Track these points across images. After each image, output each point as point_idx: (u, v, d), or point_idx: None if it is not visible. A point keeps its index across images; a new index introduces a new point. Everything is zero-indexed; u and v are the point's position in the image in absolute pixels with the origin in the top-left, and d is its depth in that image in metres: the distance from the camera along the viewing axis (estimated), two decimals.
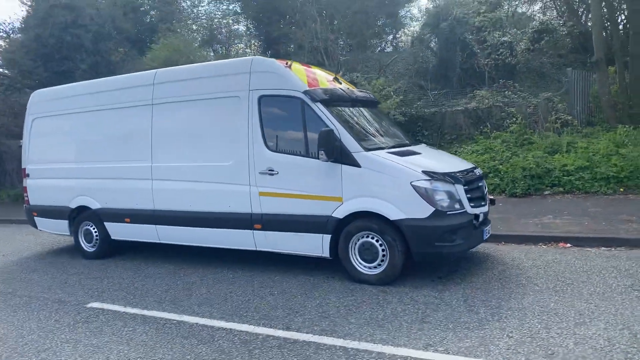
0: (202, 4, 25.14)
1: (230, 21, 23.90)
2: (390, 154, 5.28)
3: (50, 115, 7.75)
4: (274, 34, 23.89)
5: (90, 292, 5.74)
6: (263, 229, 5.81)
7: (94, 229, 7.37)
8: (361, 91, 6.56)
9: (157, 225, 6.65)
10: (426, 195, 4.89)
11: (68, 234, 7.72)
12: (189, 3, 24.86)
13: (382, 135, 6.00)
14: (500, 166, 10.16)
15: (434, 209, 4.88)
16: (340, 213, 5.28)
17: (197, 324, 4.51)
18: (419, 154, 5.60)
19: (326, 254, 5.48)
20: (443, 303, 4.56)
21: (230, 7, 24.56)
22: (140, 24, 23.53)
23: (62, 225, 7.67)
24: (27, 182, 8.03)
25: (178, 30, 21.31)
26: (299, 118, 5.58)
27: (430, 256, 5.15)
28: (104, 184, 7.09)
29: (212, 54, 20.27)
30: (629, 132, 10.18)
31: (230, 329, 4.31)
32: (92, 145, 7.24)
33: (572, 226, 6.98)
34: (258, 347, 3.91)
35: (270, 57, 22.59)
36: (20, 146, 8.24)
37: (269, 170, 5.69)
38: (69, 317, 4.92)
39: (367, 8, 24.00)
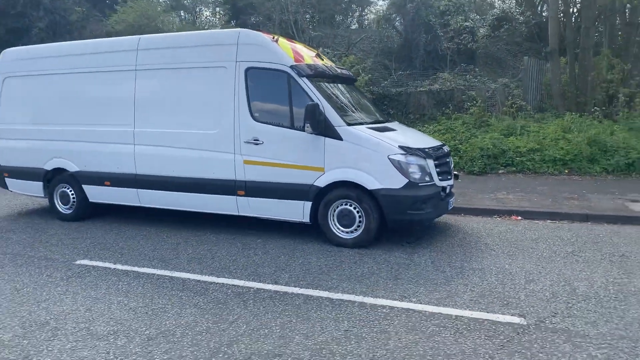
0: None
1: None
2: (369, 129, 5.74)
3: (25, 75, 7.62)
4: (240, 4, 23.58)
5: (75, 251, 5.92)
6: (246, 195, 6.16)
7: (70, 191, 7.43)
8: (340, 68, 6.93)
9: (139, 189, 6.83)
10: (401, 168, 5.40)
11: (42, 195, 7.73)
12: None
13: (360, 111, 6.43)
14: (460, 146, 10.88)
15: (408, 180, 5.41)
16: (321, 182, 5.72)
17: (189, 279, 4.86)
18: (395, 130, 6.10)
19: (306, 219, 5.92)
20: (413, 264, 5.13)
21: None
22: None
23: (36, 186, 7.66)
24: None
25: None
26: (285, 91, 5.90)
27: (402, 223, 5.71)
28: (83, 147, 7.14)
29: (177, 19, 19.85)
30: (575, 119, 11.12)
31: (223, 283, 4.70)
32: (70, 107, 7.22)
33: (522, 202, 7.77)
34: (251, 298, 4.33)
35: (237, 26, 22.37)
36: None
37: (254, 140, 6.01)
38: (60, 273, 5.13)
39: None
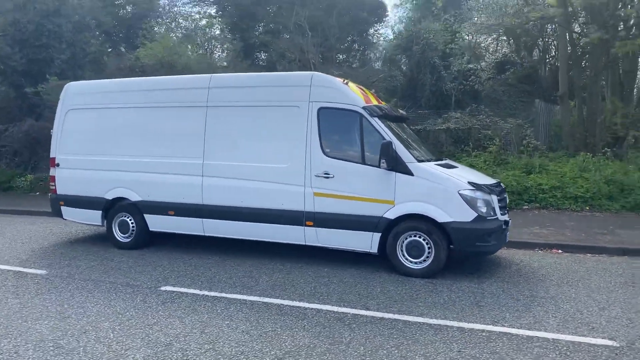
0: (178, 3, 25.15)
1: (205, 23, 23.97)
2: (438, 166, 6.22)
3: (89, 108, 7.97)
4: (251, 41, 24.44)
5: (152, 278, 6.14)
6: (315, 225, 6.51)
7: (130, 220, 7.68)
8: (397, 109, 7.47)
9: (204, 219, 7.12)
10: (470, 203, 5.85)
11: (99, 224, 7.95)
12: (166, 1, 24.76)
13: (419, 149, 6.92)
14: None
15: (477, 214, 5.85)
16: (391, 214, 6.12)
17: (282, 304, 5.14)
18: (457, 167, 6.59)
19: (374, 250, 6.28)
20: (486, 292, 5.51)
21: (205, 10, 24.79)
22: (116, 18, 23.18)
23: (94, 215, 7.88)
24: (56, 172, 8.15)
25: (157, 28, 21.34)
26: (356, 130, 6.38)
27: (470, 254, 6.13)
28: (147, 177, 7.44)
29: (192, 55, 20.47)
30: (588, 159, 11.83)
31: (317, 309, 5.00)
32: (135, 139, 7.56)
33: (558, 236, 8.25)
34: (352, 322, 4.64)
35: (252, 64, 23.07)
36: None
37: (325, 174, 6.41)
38: (152, 298, 5.36)
39: (341, 24, 25.22)
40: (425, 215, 5.99)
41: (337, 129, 6.62)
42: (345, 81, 6.67)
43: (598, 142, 12.89)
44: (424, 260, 6.06)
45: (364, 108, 6.33)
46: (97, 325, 4.61)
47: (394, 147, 6.03)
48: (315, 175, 6.46)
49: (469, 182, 5.97)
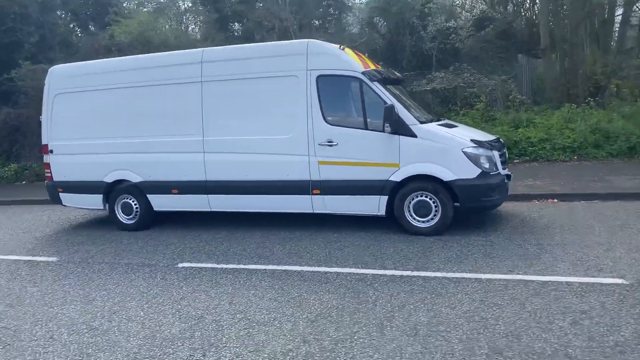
0: None
1: None
2: (440, 126, 6.32)
3: (78, 90, 7.76)
4: (225, 12, 23.78)
5: (166, 256, 6.19)
6: (321, 193, 6.60)
7: (133, 201, 7.64)
8: (393, 71, 7.49)
9: (209, 195, 7.14)
10: (474, 160, 6.00)
11: (101, 207, 7.90)
12: None
13: (419, 110, 7.00)
14: None
15: (480, 170, 6.01)
16: (397, 177, 6.24)
17: (302, 270, 5.28)
18: (457, 126, 6.71)
19: (382, 212, 6.43)
20: (495, 244, 5.73)
21: None
22: None
23: (95, 199, 7.82)
24: (50, 159, 8.00)
25: (127, 4, 20.57)
26: (357, 95, 6.41)
27: (476, 209, 6.33)
28: (147, 158, 7.37)
29: (167, 30, 19.86)
30: (573, 110, 12.10)
31: (337, 272, 5.15)
32: (131, 120, 7.44)
33: (552, 186, 8.54)
34: (374, 282, 4.80)
35: (228, 35, 22.46)
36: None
37: (328, 142, 6.46)
38: (172, 275, 5.43)
39: None
40: (431, 175, 6.12)
41: (337, 96, 6.64)
42: (342, 47, 6.64)
43: (581, 93, 13.16)
44: (432, 219, 6.24)
45: (363, 73, 6.33)
46: (124, 305, 4.68)
47: (396, 110, 6.09)
48: (319, 144, 6.50)
49: (472, 140, 6.11)
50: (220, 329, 4.03)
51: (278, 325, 4.02)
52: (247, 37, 20.47)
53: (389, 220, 6.61)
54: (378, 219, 6.66)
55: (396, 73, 7.46)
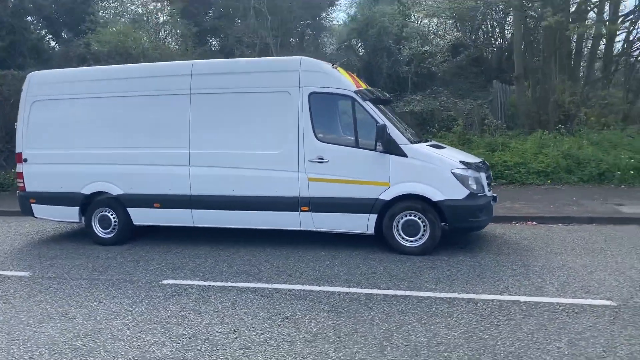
0: None
1: (153, 7, 22.93)
2: (429, 147, 6.41)
3: (57, 98, 7.50)
4: (203, 26, 23.72)
5: (149, 272, 5.96)
6: (310, 210, 6.55)
7: (112, 214, 7.37)
8: (383, 92, 7.58)
9: (193, 210, 6.96)
10: (463, 181, 6.10)
11: (77, 220, 7.58)
12: None
13: (408, 131, 7.08)
14: None
15: (469, 191, 6.11)
16: (387, 195, 6.26)
17: (293, 289, 5.18)
18: (445, 147, 6.83)
19: (370, 231, 6.42)
20: (483, 265, 5.80)
21: None
22: (55, 2, 21.67)
23: (71, 211, 7.50)
24: (24, 168, 7.65)
25: (102, 12, 20.21)
26: (349, 114, 6.45)
27: (463, 230, 6.41)
28: (128, 170, 7.15)
29: (146, 41, 19.56)
30: (545, 135, 12.55)
31: (330, 291, 5.08)
32: (113, 130, 7.22)
33: (529, 209, 8.77)
34: (368, 301, 4.75)
35: (206, 50, 22.30)
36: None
37: (319, 159, 6.45)
38: (157, 293, 5.22)
39: (293, 8, 25.01)
40: (421, 194, 6.17)
41: (329, 113, 6.67)
42: (335, 65, 6.69)
43: (551, 120, 13.69)
44: (420, 238, 6.27)
45: (355, 92, 6.39)
46: (108, 323, 4.45)
47: (388, 130, 6.14)
48: (309, 161, 6.48)
49: (460, 161, 6.22)
50: (214, 349, 3.88)
51: (275, 345, 3.91)
52: (226, 53, 20.43)
53: (374, 239, 6.62)
54: (364, 237, 6.66)
55: (385, 94, 7.55)
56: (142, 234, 7.71)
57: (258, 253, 6.65)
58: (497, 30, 22.08)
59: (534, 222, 8.09)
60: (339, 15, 42.87)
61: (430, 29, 23.08)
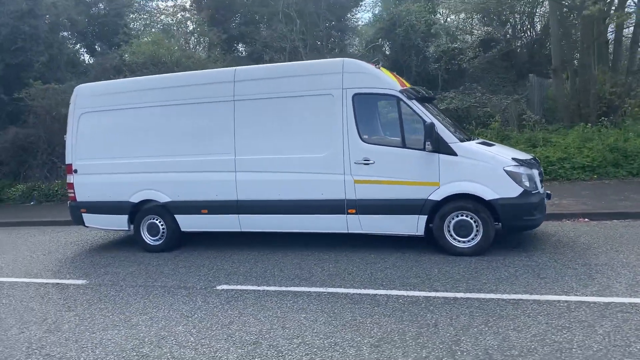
0: None
1: (181, 16, 23.30)
2: (479, 145, 6.27)
3: (104, 109, 7.68)
4: (231, 33, 24.02)
5: (202, 278, 6.01)
6: (357, 213, 6.49)
7: (160, 222, 7.49)
8: (426, 90, 7.47)
9: (240, 215, 7.00)
10: (516, 178, 5.93)
11: (126, 228, 7.73)
12: None
13: (456, 128, 6.95)
14: None
15: (522, 189, 5.94)
16: (437, 196, 6.15)
17: (349, 293, 5.13)
18: (495, 145, 6.66)
19: (421, 232, 6.32)
20: (541, 265, 5.62)
21: (179, 3, 24.12)
22: (88, 16, 22.34)
23: (120, 220, 7.65)
24: (74, 179, 7.86)
25: (133, 24, 20.70)
26: (394, 114, 6.37)
27: (518, 228, 6.23)
28: (175, 177, 7.25)
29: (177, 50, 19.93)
30: (588, 129, 12.16)
31: (387, 294, 5.00)
32: (159, 139, 7.34)
33: (579, 205, 8.48)
34: (429, 304, 4.66)
35: (236, 56, 22.56)
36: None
37: (365, 160, 6.38)
38: (213, 298, 5.26)
39: (319, 10, 25.07)
40: (472, 194, 6.04)
41: (374, 114, 6.61)
42: (378, 65, 6.62)
43: (593, 113, 13.24)
44: (472, 239, 6.14)
45: (401, 91, 6.31)
46: (171, 330, 4.50)
47: (436, 128, 6.04)
48: (355, 163, 6.43)
49: (513, 159, 6.06)
50: (281, 354, 3.87)
51: (341, 350, 3.86)
52: (255, 58, 20.62)
53: (422, 240, 6.51)
54: (412, 239, 6.56)
55: (429, 92, 7.44)
56: (189, 240, 7.81)
57: (306, 257, 6.63)
58: (526, 23, 21.56)
59: (586, 219, 7.82)
60: (363, 16, 42.69)
61: (458, 25, 22.71)
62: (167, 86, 7.40)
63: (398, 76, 7.09)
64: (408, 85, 6.84)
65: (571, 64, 14.12)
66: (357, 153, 6.42)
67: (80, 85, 8.16)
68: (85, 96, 7.87)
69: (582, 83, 13.71)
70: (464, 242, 6.17)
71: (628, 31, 15.61)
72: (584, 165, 10.80)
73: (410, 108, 6.23)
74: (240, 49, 26.39)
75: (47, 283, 6.32)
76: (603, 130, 11.89)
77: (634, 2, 14.12)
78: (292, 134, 6.74)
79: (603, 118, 12.59)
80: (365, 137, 6.46)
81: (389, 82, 6.42)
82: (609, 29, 15.09)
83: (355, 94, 6.46)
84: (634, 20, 13.45)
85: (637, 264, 5.42)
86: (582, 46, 13.37)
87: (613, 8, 12.80)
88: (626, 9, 13.65)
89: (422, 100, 6.57)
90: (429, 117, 6.13)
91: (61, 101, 14.58)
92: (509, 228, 6.15)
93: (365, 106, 6.54)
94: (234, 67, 7.28)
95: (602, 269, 5.31)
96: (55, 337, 4.52)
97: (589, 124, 12.54)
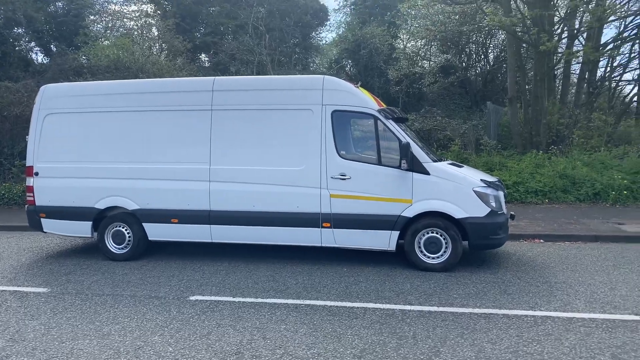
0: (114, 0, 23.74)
1: (146, 22, 22.87)
2: (450, 165, 6.57)
3: (71, 112, 7.42)
4: (195, 42, 23.82)
5: (173, 288, 5.88)
6: (332, 227, 6.59)
7: (126, 230, 7.27)
8: (401, 111, 7.73)
9: (212, 225, 6.93)
10: (484, 199, 6.26)
11: (88, 235, 7.44)
12: None
13: (428, 149, 7.24)
14: None
15: (490, 209, 6.27)
16: (410, 212, 6.37)
17: (326, 305, 5.19)
18: (463, 167, 7.00)
19: (392, 248, 6.50)
20: (506, 281, 5.92)
21: (142, 8, 23.69)
22: (45, 14, 21.45)
23: (82, 226, 7.36)
24: (35, 181, 7.49)
25: (92, 26, 20.10)
26: (371, 132, 6.57)
27: (484, 247, 6.54)
28: (145, 184, 7.09)
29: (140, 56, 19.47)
30: (539, 156, 12.95)
31: (364, 307, 5.10)
32: (130, 145, 7.17)
33: (534, 227, 9.00)
34: (405, 317, 4.80)
35: (203, 66, 22.30)
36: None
37: (341, 175, 6.53)
38: (187, 309, 5.16)
39: (284, 26, 25.37)
40: (443, 212, 6.30)
41: (351, 131, 6.79)
42: (357, 85, 6.83)
43: (543, 141, 14.13)
44: (442, 255, 6.38)
45: (378, 111, 6.53)
46: (147, 340, 4.38)
47: (411, 148, 6.28)
48: (332, 177, 6.55)
49: (481, 180, 6.39)
50: None
51: None
52: (221, 69, 20.51)
53: (393, 255, 6.70)
54: (383, 254, 6.74)
55: (403, 113, 7.73)
56: (155, 249, 7.61)
57: (279, 269, 6.64)
58: (481, 53, 22.77)
59: (541, 240, 8.31)
60: (327, 36, 43.44)
61: (417, 51, 23.60)
62: (141, 91, 7.27)
63: (375, 96, 7.33)
64: (384, 105, 7.08)
65: (524, 94, 15.04)
66: (334, 168, 6.55)
67: (47, 85, 7.85)
68: (51, 97, 7.58)
69: (534, 113, 14.62)
70: (433, 258, 6.40)
71: (575, 68, 16.88)
72: (537, 190, 11.48)
73: (387, 127, 6.46)
74: (204, 59, 26.20)
75: (4, 290, 5.96)
76: (553, 157, 12.71)
77: (582, 43, 15.30)
78: (269, 146, 6.79)
79: (553, 146, 13.46)
80: (343, 152, 6.61)
81: (367, 101, 6.64)
82: (560, 65, 16.26)
83: (335, 111, 6.62)
84: (581, 59, 14.55)
85: (591, 282, 5.83)
86: (535, 78, 14.29)
87: (563, 46, 13.82)
88: (574, 48, 14.78)
89: (398, 120, 6.83)
90: (404, 137, 6.37)
91: (14, 100, 13.89)
92: (475, 246, 6.45)
93: (344, 123, 6.72)
94: (213, 77, 7.26)
95: (561, 287, 5.67)
96: (20, 347, 4.28)
97: (540, 151, 13.38)
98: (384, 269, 6.54)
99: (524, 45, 14.70)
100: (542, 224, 9.24)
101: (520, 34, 14.18)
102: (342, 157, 6.57)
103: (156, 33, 20.08)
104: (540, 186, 11.52)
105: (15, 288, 6.06)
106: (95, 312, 5.14)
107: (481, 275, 6.21)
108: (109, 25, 21.26)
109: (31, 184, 7.54)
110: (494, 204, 6.35)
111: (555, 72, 16.40)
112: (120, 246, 7.32)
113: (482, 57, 22.63)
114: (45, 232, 7.69)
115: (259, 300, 5.40)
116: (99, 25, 21.29)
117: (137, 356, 4.06)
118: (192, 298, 5.52)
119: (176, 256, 7.47)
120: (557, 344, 4.12)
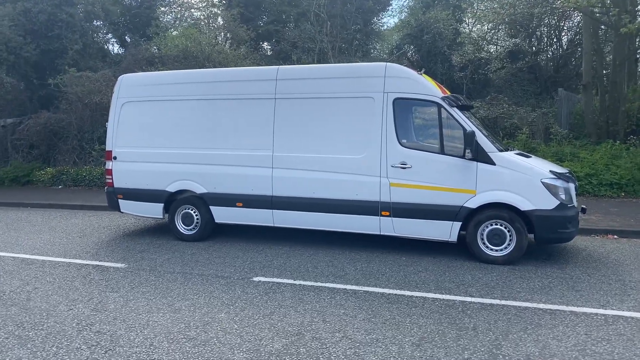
0: None
1: (212, 12, 23.54)
2: (517, 155, 6.34)
3: (146, 100, 7.89)
4: (258, 31, 24.26)
5: (237, 269, 6.16)
6: (391, 215, 6.60)
7: (194, 212, 7.67)
8: (466, 99, 7.55)
9: (274, 210, 7.15)
10: (553, 191, 6.00)
11: (160, 216, 7.93)
12: None
13: (494, 138, 7.03)
14: None
15: (559, 202, 6.00)
16: (473, 203, 6.23)
17: (385, 293, 5.24)
18: (531, 157, 6.73)
19: (454, 239, 6.40)
20: (574, 277, 5.67)
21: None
22: (120, 7, 22.71)
23: (155, 208, 7.85)
24: (113, 165, 8.07)
25: (162, 17, 21.01)
26: (434, 120, 6.46)
27: (551, 241, 6.30)
28: (213, 170, 7.43)
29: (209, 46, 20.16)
30: (616, 146, 12.10)
31: (423, 297, 5.10)
32: (199, 131, 7.53)
33: (608, 222, 8.48)
34: (466, 309, 4.75)
35: (263, 54, 22.72)
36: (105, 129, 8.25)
37: (402, 164, 6.49)
38: (251, 289, 5.40)
39: (345, 13, 25.17)
40: (508, 203, 6.11)
41: (413, 119, 6.71)
42: (421, 72, 6.73)
43: (621, 130, 13.17)
44: (505, 248, 6.21)
45: (442, 99, 6.40)
46: (214, 316, 4.65)
47: (476, 137, 6.12)
48: (392, 166, 6.53)
49: (550, 171, 6.12)
50: (325, 346, 3.99)
51: (383, 347, 3.97)
52: (283, 58, 20.81)
53: (453, 246, 6.60)
54: (440, 244, 6.65)
55: (468, 100, 7.53)
56: (220, 231, 7.98)
57: (338, 255, 6.76)
58: (553, 37, 21.46)
59: (615, 236, 7.83)
60: (389, 21, 42.70)
61: (484, 35, 22.65)
62: (209, 81, 7.59)
63: (438, 83, 7.18)
64: (448, 92, 6.93)
65: (601, 80, 14.05)
66: (394, 156, 6.53)
67: (125, 74, 8.39)
68: (128, 86, 8.09)
69: (612, 100, 13.65)
70: (496, 250, 6.24)
71: None
72: (612, 183, 10.78)
73: (451, 115, 6.33)
74: (266, 47, 26.68)
75: (87, 264, 6.52)
76: (632, 148, 11.83)
77: None
78: (330, 134, 6.87)
79: (631, 136, 12.52)
80: (404, 141, 6.57)
81: (431, 88, 6.52)
82: None
83: (396, 99, 6.57)
84: None
85: None
86: (614, 63, 13.30)
87: None
88: None
89: (462, 108, 6.66)
90: (469, 126, 6.22)
91: (94, 89, 14.92)
92: (542, 240, 6.21)
93: (405, 111, 6.66)
94: (277, 66, 7.44)
95: (636, 286, 5.35)
96: (103, 316, 4.69)
97: (617, 141, 12.50)
98: (444, 259, 6.46)
99: (602, 27, 13.69)
100: (616, 218, 8.69)
101: (598, 15, 13.22)
102: (403, 146, 6.53)
103: (221, 22, 20.67)
104: (617, 178, 10.79)
105: (98, 262, 6.61)
106: (167, 288, 5.51)
107: (547, 270, 5.98)
108: (178, 16, 22.18)
109: (110, 167, 8.12)
110: (563, 197, 6.07)
111: (638, 56, 15.18)
112: (189, 227, 7.74)
113: (555, 40, 21.35)
114: (122, 212, 8.28)
115: (319, 284, 5.55)
116: (168, 16, 22.28)
117: (206, 331, 4.33)
118: (256, 279, 5.77)
119: (240, 238, 7.80)
120: (629, 345, 3.93)
